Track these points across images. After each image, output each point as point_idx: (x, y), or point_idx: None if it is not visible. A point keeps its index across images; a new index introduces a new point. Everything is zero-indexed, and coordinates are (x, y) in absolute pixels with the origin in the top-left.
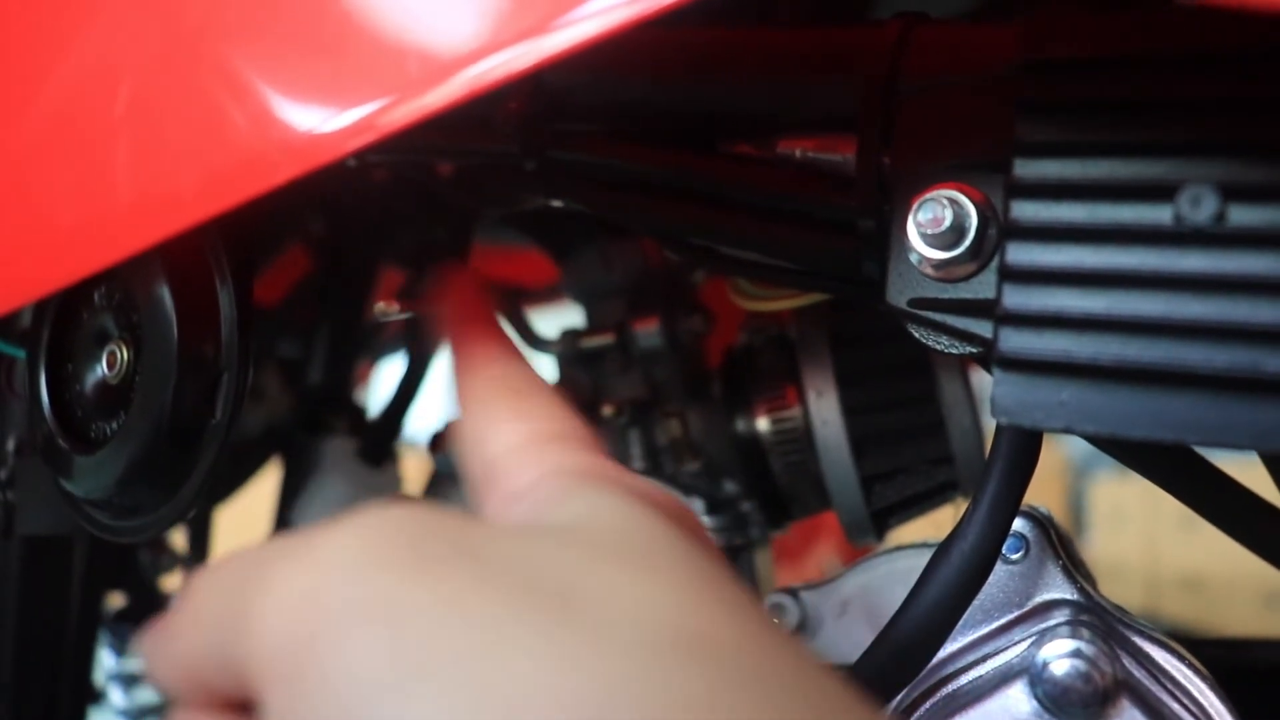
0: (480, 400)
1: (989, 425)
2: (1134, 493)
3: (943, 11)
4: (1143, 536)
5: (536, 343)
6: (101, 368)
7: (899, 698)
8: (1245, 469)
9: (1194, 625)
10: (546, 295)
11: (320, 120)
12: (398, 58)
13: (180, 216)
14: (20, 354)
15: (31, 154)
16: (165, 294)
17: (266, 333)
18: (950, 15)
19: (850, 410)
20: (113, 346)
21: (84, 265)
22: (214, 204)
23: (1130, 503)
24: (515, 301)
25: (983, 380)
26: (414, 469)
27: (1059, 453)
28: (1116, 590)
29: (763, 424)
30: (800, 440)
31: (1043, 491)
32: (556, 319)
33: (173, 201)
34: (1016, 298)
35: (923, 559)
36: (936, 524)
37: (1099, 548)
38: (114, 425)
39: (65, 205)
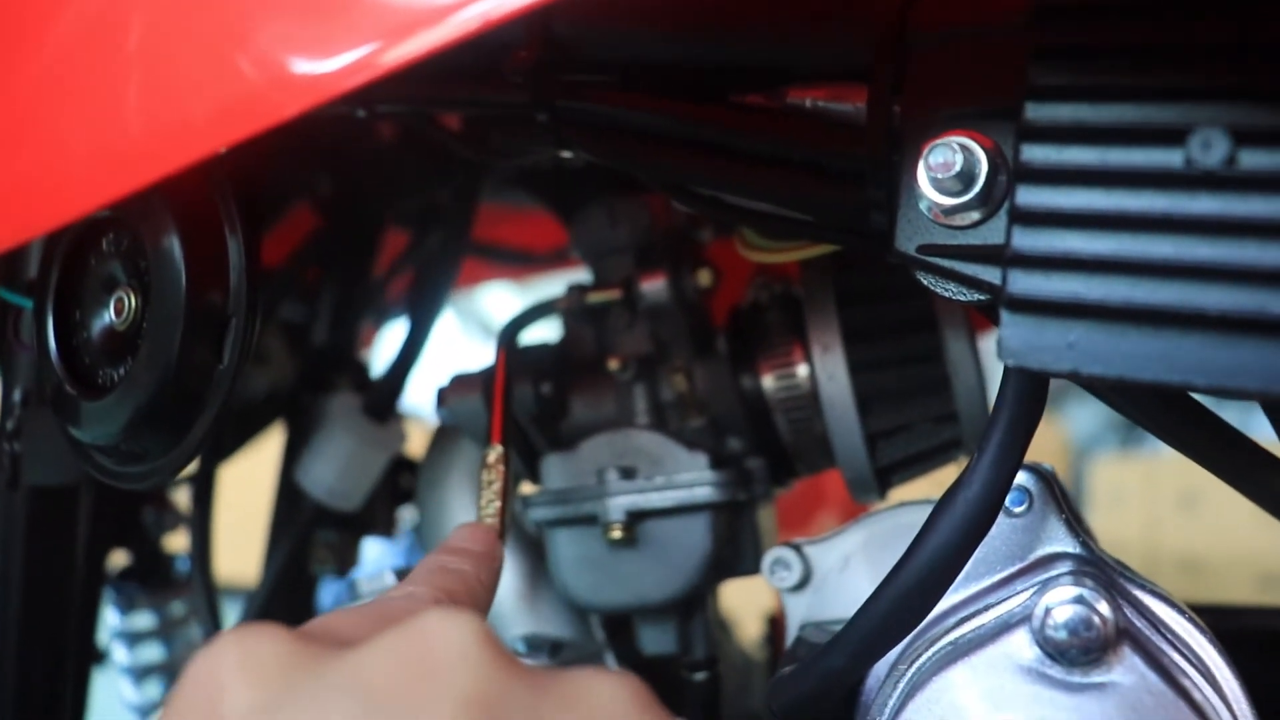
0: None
1: (994, 385)
2: (1134, 473)
3: None
4: (1142, 517)
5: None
6: (109, 314)
7: (900, 647)
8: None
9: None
10: (553, 259)
11: (321, 57)
12: None
13: (189, 148)
14: (27, 304)
15: (43, 87)
16: (174, 240)
17: (272, 294)
18: None
19: (856, 366)
20: (121, 293)
21: (95, 197)
22: (222, 136)
23: (1130, 483)
24: None
25: (989, 341)
26: (415, 436)
27: (1060, 432)
28: None
29: (768, 380)
30: (805, 396)
31: None
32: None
33: (182, 133)
34: (1026, 240)
35: (926, 515)
36: (939, 483)
37: (1098, 528)
38: (121, 371)
39: (77, 137)
